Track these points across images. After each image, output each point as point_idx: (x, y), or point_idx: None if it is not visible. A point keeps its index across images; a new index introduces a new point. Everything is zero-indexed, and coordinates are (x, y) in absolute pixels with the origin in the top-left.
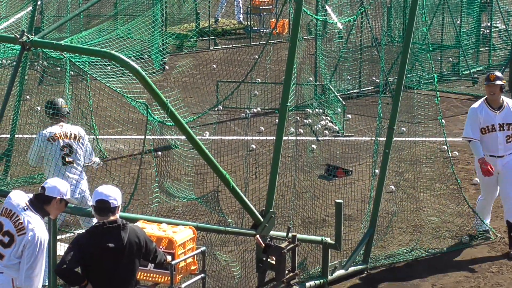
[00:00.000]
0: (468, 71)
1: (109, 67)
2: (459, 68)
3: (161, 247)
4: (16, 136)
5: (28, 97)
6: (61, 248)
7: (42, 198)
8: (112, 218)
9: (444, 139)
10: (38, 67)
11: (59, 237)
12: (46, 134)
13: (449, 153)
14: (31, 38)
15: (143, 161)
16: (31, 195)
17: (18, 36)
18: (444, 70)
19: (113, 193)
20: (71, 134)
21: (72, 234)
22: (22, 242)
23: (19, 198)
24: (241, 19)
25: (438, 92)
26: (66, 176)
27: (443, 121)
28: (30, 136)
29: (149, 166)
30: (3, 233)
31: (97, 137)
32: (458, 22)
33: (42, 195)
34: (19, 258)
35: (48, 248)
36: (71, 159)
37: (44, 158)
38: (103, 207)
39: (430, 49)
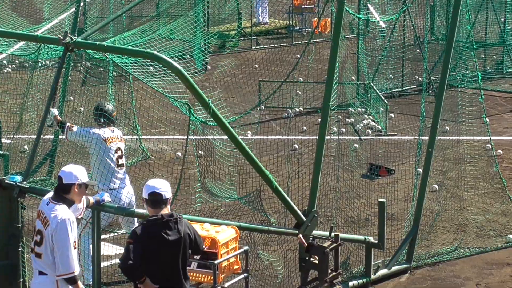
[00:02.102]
0: None
1: (151, 68)
2: (503, 66)
3: (204, 246)
4: (59, 137)
5: (71, 97)
6: (105, 248)
7: (61, 188)
8: (165, 210)
9: (488, 137)
10: (81, 68)
11: (102, 237)
12: (102, 135)
13: (494, 152)
14: (74, 39)
15: (186, 161)
16: None
17: (61, 38)
18: (488, 68)
19: (163, 186)
20: (118, 137)
21: (115, 234)
22: (49, 233)
23: (46, 196)
24: (261, 19)
25: (482, 90)
26: (120, 177)
27: (487, 119)
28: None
29: (192, 166)
30: (36, 233)
31: (140, 137)
32: (502, 19)
33: (60, 185)
34: (53, 252)
35: (93, 248)
36: (123, 162)
37: (95, 157)
38: (156, 199)
39: (474, 47)
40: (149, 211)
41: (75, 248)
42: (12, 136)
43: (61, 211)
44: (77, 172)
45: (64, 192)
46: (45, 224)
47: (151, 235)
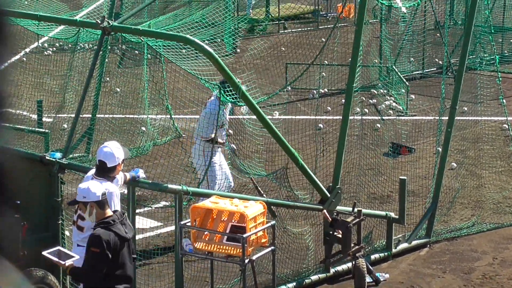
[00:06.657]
0: None
1: (184, 51)
2: None
3: (233, 220)
4: (97, 115)
5: (107, 78)
6: (140, 221)
7: (107, 171)
8: (109, 209)
9: (505, 118)
10: (118, 51)
11: (137, 211)
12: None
13: (510, 132)
14: (111, 24)
15: (216, 140)
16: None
17: (99, 22)
18: (505, 51)
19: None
20: None
21: (149, 208)
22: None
23: (89, 173)
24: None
25: (499, 73)
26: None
27: (504, 100)
28: (110, 115)
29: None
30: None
31: (173, 116)
32: None
33: (105, 168)
34: None
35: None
36: None
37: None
38: (104, 202)
39: (492, 31)
40: (98, 213)
41: None
42: (53, 115)
43: (107, 186)
44: (117, 153)
45: (109, 172)
46: None
47: (116, 235)
